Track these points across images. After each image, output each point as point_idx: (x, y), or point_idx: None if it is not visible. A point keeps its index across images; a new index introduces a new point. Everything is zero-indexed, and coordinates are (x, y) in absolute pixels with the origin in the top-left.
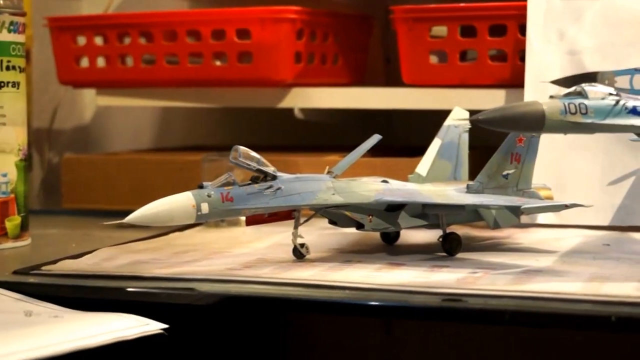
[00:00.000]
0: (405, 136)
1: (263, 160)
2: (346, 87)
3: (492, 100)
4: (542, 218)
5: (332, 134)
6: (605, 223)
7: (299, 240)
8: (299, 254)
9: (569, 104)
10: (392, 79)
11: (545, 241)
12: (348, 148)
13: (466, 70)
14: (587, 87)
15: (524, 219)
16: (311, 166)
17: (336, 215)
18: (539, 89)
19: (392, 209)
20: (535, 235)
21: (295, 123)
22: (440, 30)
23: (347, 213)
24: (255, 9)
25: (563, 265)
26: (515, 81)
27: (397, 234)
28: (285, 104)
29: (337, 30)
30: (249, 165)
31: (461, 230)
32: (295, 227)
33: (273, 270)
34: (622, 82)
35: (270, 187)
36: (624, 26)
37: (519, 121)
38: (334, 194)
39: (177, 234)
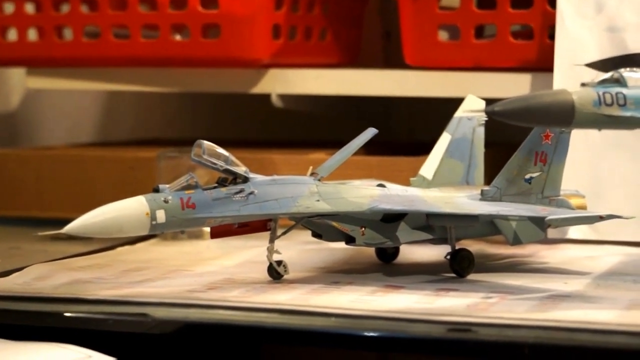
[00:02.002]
0: (409, 130)
1: (232, 158)
2: (336, 69)
3: (514, 86)
4: (573, 232)
5: (318, 127)
6: None
7: (276, 257)
8: (276, 273)
9: (604, 93)
10: (393, 59)
11: (577, 260)
12: (337, 144)
13: (483, 50)
14: (626, 72)
15: (552, 233)
16: (292, 166)
17: (321, 226)
18: (572, 74)
19: (390, 220)
20: (565, 253)
21: (273, 112)
22: (452, 0)
23: (335, 224)
24: None
25: (597, 290)
26: (543, 64)
27: (396, 250)
28: (261, 89)
29: None
30: (215, 164)
31: (475, 247)
32: (271, 241)
33: (243, 292)
34: None
35: (241, 191)
36: None
37: (543, 114)
38: (318, 201)
39: (126, 247)
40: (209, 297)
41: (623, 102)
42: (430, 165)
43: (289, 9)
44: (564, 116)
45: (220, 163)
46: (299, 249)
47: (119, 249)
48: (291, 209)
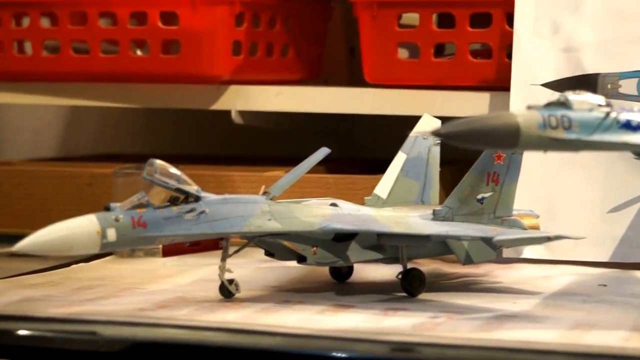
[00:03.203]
0: (373, 147)
1: (184, 177)
2: (296, 86)
3: (473, 105)
4: (528, 252)
5: (280, 143)
6: (605, 259)
7: (228, 276)
8: (227, 292)
9: (549, 116)
10: (358, 76)
11: (530, 280)
12: (298, 160)
13: (442, 68)
14: (572, 96)
15: (507, 252)
16: (250, 183)
17: (273, 245)
18: (528, 93)
19: (342, 239)
20: (519, 273)
21: (234, 129)
22: (412, 18)
23: (286, 243)
24: None
25: (545, 310)
26: (501, 83)
27: (350, 270)
28: (221, 105)
29: (286, 16)
30: (167, 183)
31: (431, 266)
32: (223, 260)
33: (193, 311)
34: (628, 86)
35: (192, 210)
36: (631, 19)
37: (488, 136)
38: (270, 220)
39: (81, 265)
40: (158, 316)
41: (568, 125)
42: (385, 184)
43: (250, 26)
44: (509, 139)
45: (172, 182)
46: (254, 267)
47: (74, 266)
48: (242, 228)
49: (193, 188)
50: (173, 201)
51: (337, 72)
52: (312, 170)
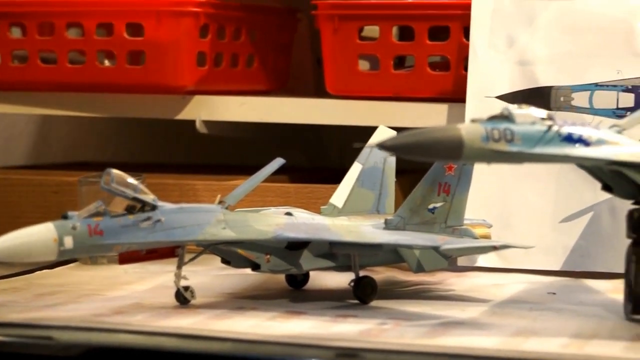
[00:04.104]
0: (340, 157)
1: (141, 187)
2: (260, 96)
3: (431, 116)
4: (482, 261)
5: (245, 152)
6: (557, 267)
7: (183, 283)
8: (183, 298)
9: (492, 129)
10: (325, 86)
11: (482, 288)
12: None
13: (401, 80)
14: (514, 109)
15: (462, 261)
16: (212, 192)
17: (228, 253)
18: (484, 105)
19: (295, 247)
20: (472, 281)
21: (204, 137)
22: (374, 30)
23: (240, 251)
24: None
25: (491, 317)
26: (459, 94)
27: (306, 277)
28: (185, 115)
29: (252, 27)
30: (124, 192)
31: (387, 274)
32: (179, 267)
33: (147, 317)
34: (580, 99)
35: (148, 219)
36: (583, 34)
37: (432, 149)
38: (224, 228)
39: (45, 272)
40: (113, 321)
41: (510, 138)
42: (340, 194)
43: (215, 37)
44: (452, 151)
45: (129, 191)
46: (213, 275)
47: (38, 272)
48: (197, 237)
49: (149, 197)
50: (130, 210)
51: (303, 82)
52: (273, 180)
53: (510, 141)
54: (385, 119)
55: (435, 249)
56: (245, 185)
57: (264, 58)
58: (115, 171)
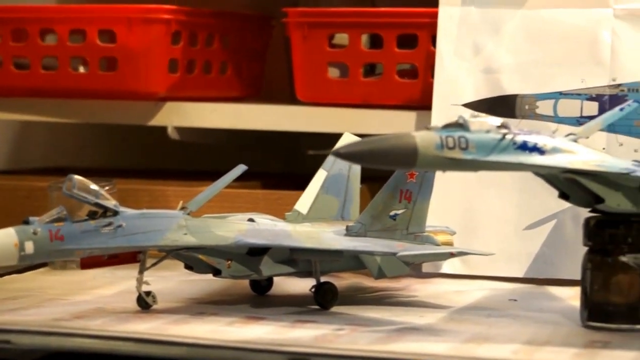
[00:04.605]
0: (316, 163)
1: (102, 192)
2: (231, 103)
3: (400, 123)
4: (447, 267)
5: (219, 158)
6: (520, 274)
7: (145, 288)
8: (145, 303)
9: (446, 137)
10: None
11: (444, 294)
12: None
13: (370, 87)
14: (469, 117)
15: (426, 267)
16: (182, 198)
17: (190, 258)
18: (450, 113)
19: (256, 253)
20: (436, 287)
21: (172, 144)
22: (345, 38)
23: (201, 257)
24: (120, 6)
25: (448, 324)
26: (427, 101)
27: (270, 283)
28: (157, 121)
29: (225, 34)
30: (86, 198)
31: (352, 280)
32: (140, 272)
33: (107, 321)
34: (545, 107)
35: (110, 224)
36: (548, 42)
37: (386, 156)
38: (186, 234)
39: (13, 276)
40: (72, 326)
41: (465, 146)
42: (305, 200)
43: (187, 44)
44: (407, 159)
45: (91, 197)
46: (179, 280)
47: (6, 277)
48: (158, 242)
49: (111, 203)
50: (91, 215)
51: (278, 89)
52: (243, 186)
53: (464, 149)
54: (354, 126)
55: (392, 255)
56: (208, 191)
57: (238, 65)
58: (77, 177)
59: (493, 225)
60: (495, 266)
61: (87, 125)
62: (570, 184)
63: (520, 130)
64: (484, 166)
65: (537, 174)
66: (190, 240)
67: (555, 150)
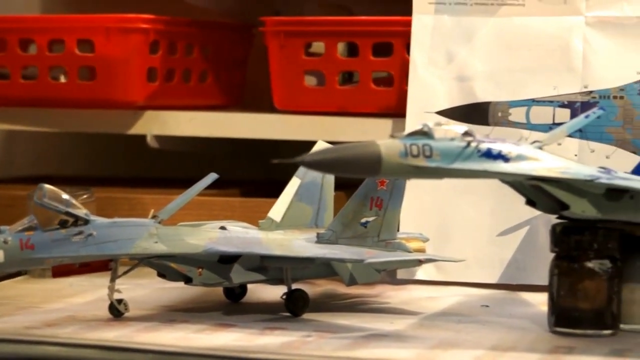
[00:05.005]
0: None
1: (73, 201)
2: (209, 112)
3: (376, 130)
4: (421, 274)
5: (198, 166)
6: (494, 280)
7: (117, 296)
8: (116, 311)
9: (410, 145)
10: None
11: (417, 301)
12: (215, 183)
13: (346, 95)
14: (433, 125)
15: (401, 273)
16: (160, 206)
17: (162, 266)
18: (423, 121)
19: (227, 261)
20: (410, 294)
21: (152, 153)
22: (322, 47)
23: (172, 265)
24: (98, 16)
25: (416, 330)
26: (403, 109)
27: (244, 290)
28: (137, 130)
29: (205, 43)
30: (57, 207)
31: (327, 286)
32: (112, 280)
33: (77, 329)
34: (518, 114)
35: (80, 233)
36: (521, 50)
37: (351, 164)
38: (156, 242)
39: None
40: (42, 334)
41: (429, 154)
42: (279, 208)
43: (166, 53)
44: (371, 167)
45: (61, 206)
46: (155, 288)
47: None
48: (129, 250)
49: (82, 212)
50: (62, 224)
51: (261, 98)
52: (219, 194)
53: (428, 157)
54: (331, 133)
55: (360, 262)
56: (179, 200)
57: (218, 73)
58: (47, 186)
59: (467, 232)
60: (470, 272)
61: (68, 134)
62: (536, 191)
63: (485, 137)
64: (448, 174)
65: (504, 181)
66: (160, 248)
67: (519, 157)
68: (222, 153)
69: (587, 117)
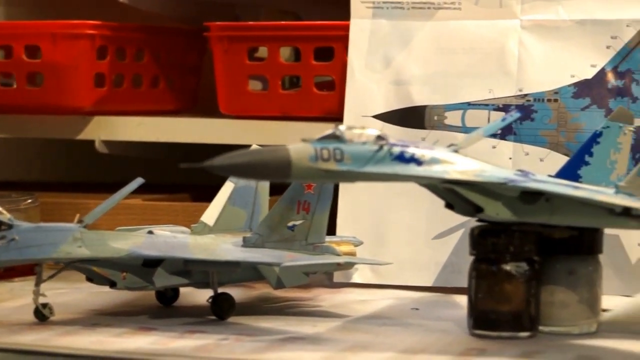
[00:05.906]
0: None
1: None
2: (158, 117)
3: (318, 134)
4: (358, 277)
5: (148, 171)
6: (429, 283)
7: (42, 300)
8: (42, 315)
9: (321, 149)
10: None
11: (349, 304)
12: (165, 187)
13: (289, 100)
14: (344, 129)
15: (337, 276)
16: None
17: (87, 270)
18: (361, 124)
19: (151, 265)
20: (344, 297)
21: (102, 158)
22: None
23: (95, 269)
24: (45, 22)
25: (336, 333)
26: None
27: (176, 294)
28: (85, 135)
29: (156, 48)
30: None
31: (263, 290)
32: (37, 285)
33: None
34: (453, 117)
35: (3, 237)
36: (457, 54)
37: (261, 169)
38: (80, 247)
39: None
40: None
41: (340, 158)
42: (212, 212)
43: (114, 58)
44: (281, 171)
45: None
46: (90, 292)
47: None
48: (52, 255)
49: (5, 217)
50: None
51: (214, 103)
52: (165, 199)
53: (339, 161)
54: (274, 138)
55: (277, 265)
56: (104, 204)
57: (170, 78)
58: None
59: (403, 235)
60: (405, 275)
61: (15, 139)
62: (451, 194)
63: (399, 141)
64: (360, 177)
65: (421, 184)
66: (84, 252)
67: (433, 160)
68: (171, 157)
69: (503, 120)
